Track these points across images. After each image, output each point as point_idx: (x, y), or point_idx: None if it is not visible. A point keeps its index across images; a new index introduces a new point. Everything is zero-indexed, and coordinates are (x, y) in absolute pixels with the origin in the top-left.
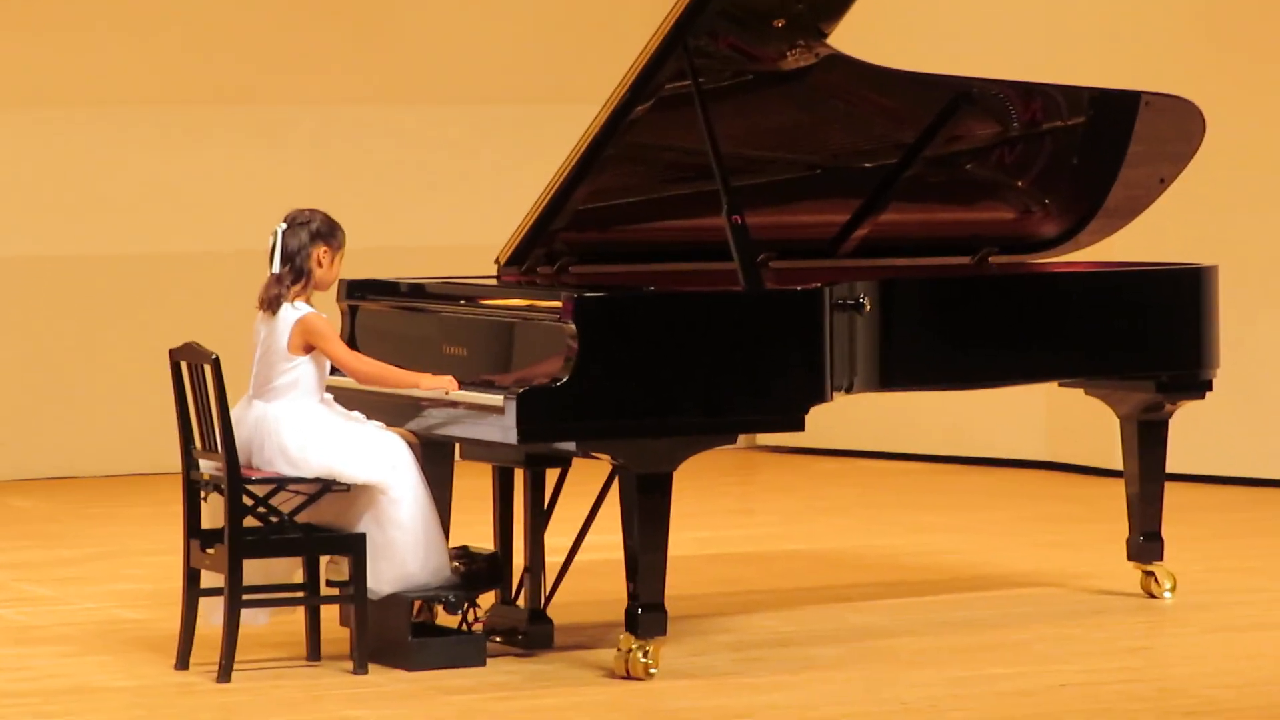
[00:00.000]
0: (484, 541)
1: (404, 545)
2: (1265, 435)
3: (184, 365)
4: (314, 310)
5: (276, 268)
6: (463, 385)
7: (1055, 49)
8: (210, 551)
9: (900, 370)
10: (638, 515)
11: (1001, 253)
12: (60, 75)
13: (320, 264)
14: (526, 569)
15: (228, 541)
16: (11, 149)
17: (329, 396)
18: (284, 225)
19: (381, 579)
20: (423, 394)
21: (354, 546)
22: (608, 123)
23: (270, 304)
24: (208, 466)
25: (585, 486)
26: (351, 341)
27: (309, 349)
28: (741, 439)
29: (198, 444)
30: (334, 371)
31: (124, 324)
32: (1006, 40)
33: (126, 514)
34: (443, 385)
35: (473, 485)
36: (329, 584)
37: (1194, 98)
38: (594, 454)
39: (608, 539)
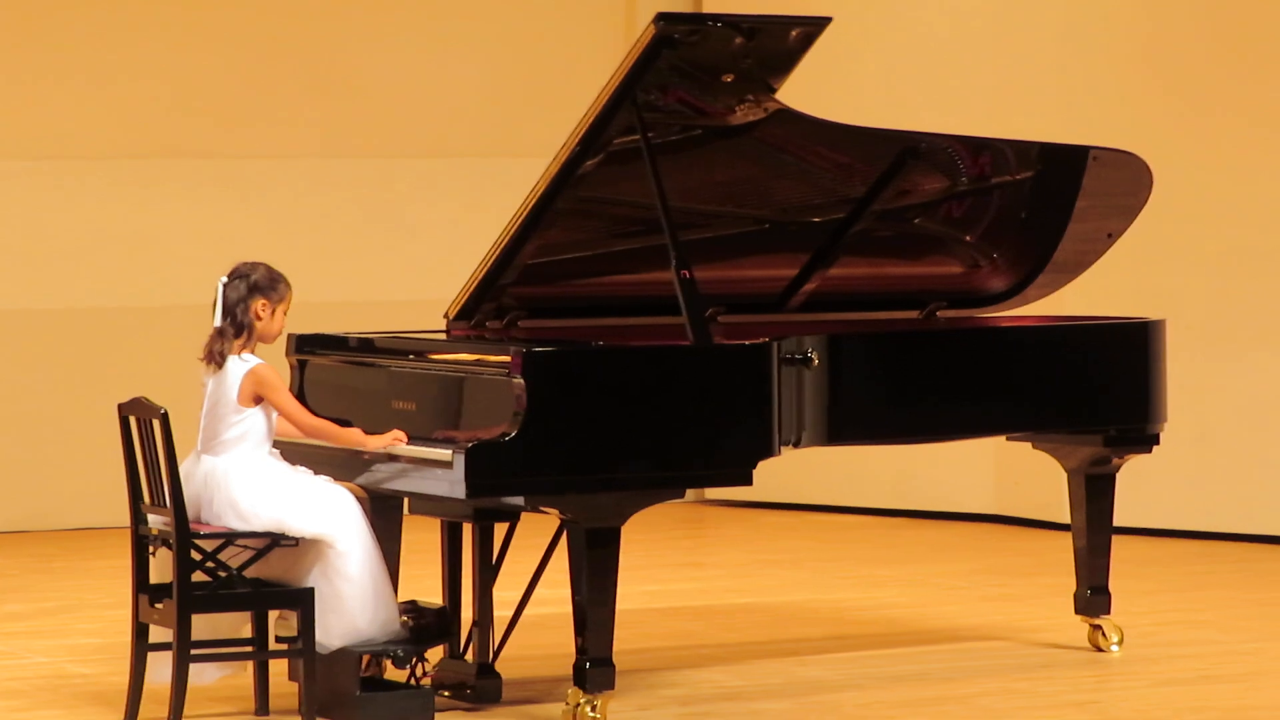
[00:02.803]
0: (432, 596)
1: (352, 599)
2: (1212, 489)
3: (133, 420)
4: (263, 362)
5: (218, 321)
6: (411, 440)
7: (1004, 102)
8: (159, 606)
9: (848, 424)
10: (586, 569)
11: (950, 307)
12: (11, 129)
13: (259, 317)
14: (475, 623)
15: (176, 596)
16: None
17: (276, 450)
18: (225, 279)
19: (330, 633)
20: (370, 451)
21: (302, 601)
22: (557, 177)
23: (214, 358)
24: (156, 521)
25: (533, 540)
26: (300, 396)
27: (258, 400)
28: (690, 493)
29: (146, 499)
30: None
31: (74, 378)
32: (955, 94)
33: (76, 568)
34: (389, 442)
35: (421, 539)
36: (278, 640)
37: (1142, 151)
38: (542, 508)
39: (556, 593)
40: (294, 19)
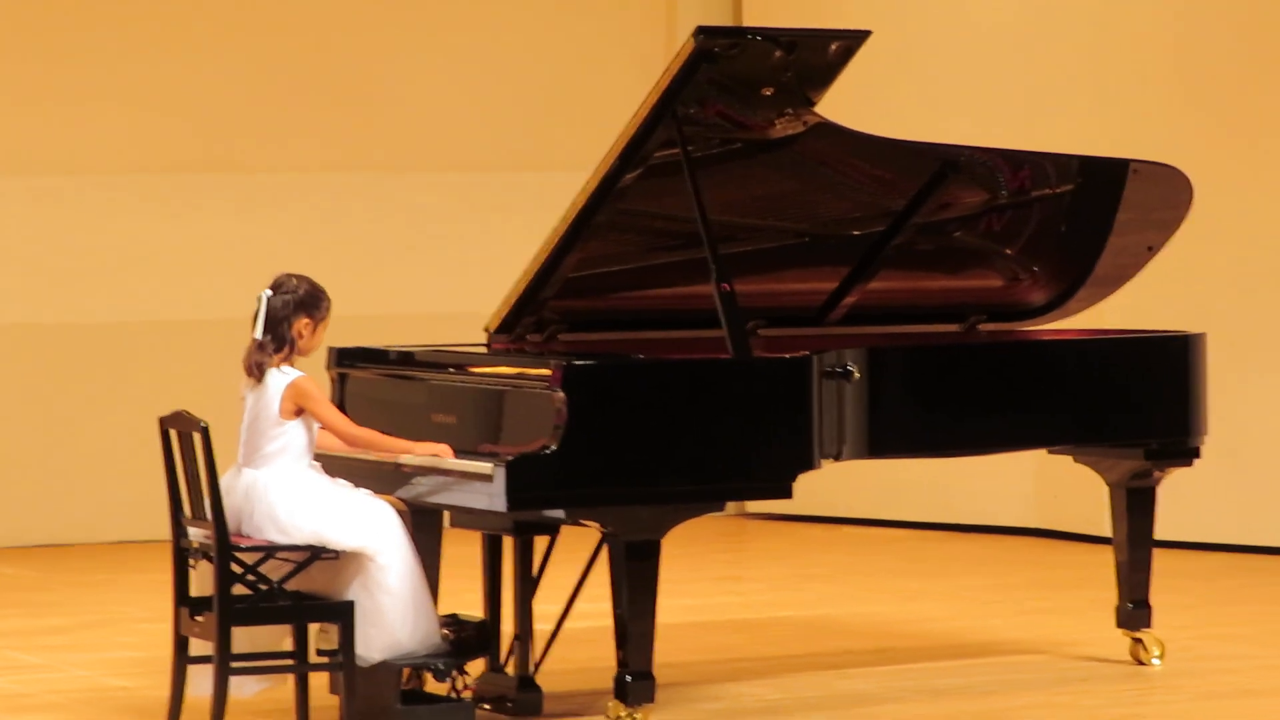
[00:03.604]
0: (473, 609)
1: (393, 611)
2: (1251, 502)
3: (174, 433)
4: (304, 374)
5: (259, 334)
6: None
7: (1038, 116)
8: (199, 619)
9: (889, 437)
10: (626, 582)
11: (990, 320)
12: (46, 144)
13: (302, 335)
14: (515, 636)
15: (216, 609)
16: None
17: (317, 464)
18: (269, 292)
19: (371, 646)
20: (416, 461)
21: (343, 614)
22: (597, 190)
23: (255, 370)
24: (197, 534)
25: (574, 554)
26: (341, 409)
27: (299, 412)
28: (730, 506)
29: (187, 511)
30: None
31: (114, 391)
32: (991, 108)
33: (117, 581)
34: (436, 452)
35: (461, 553)
36: (319, 653)
37: (1179, 165)
38: (583, 521)
39: (597, 606)
40: (327, 35)
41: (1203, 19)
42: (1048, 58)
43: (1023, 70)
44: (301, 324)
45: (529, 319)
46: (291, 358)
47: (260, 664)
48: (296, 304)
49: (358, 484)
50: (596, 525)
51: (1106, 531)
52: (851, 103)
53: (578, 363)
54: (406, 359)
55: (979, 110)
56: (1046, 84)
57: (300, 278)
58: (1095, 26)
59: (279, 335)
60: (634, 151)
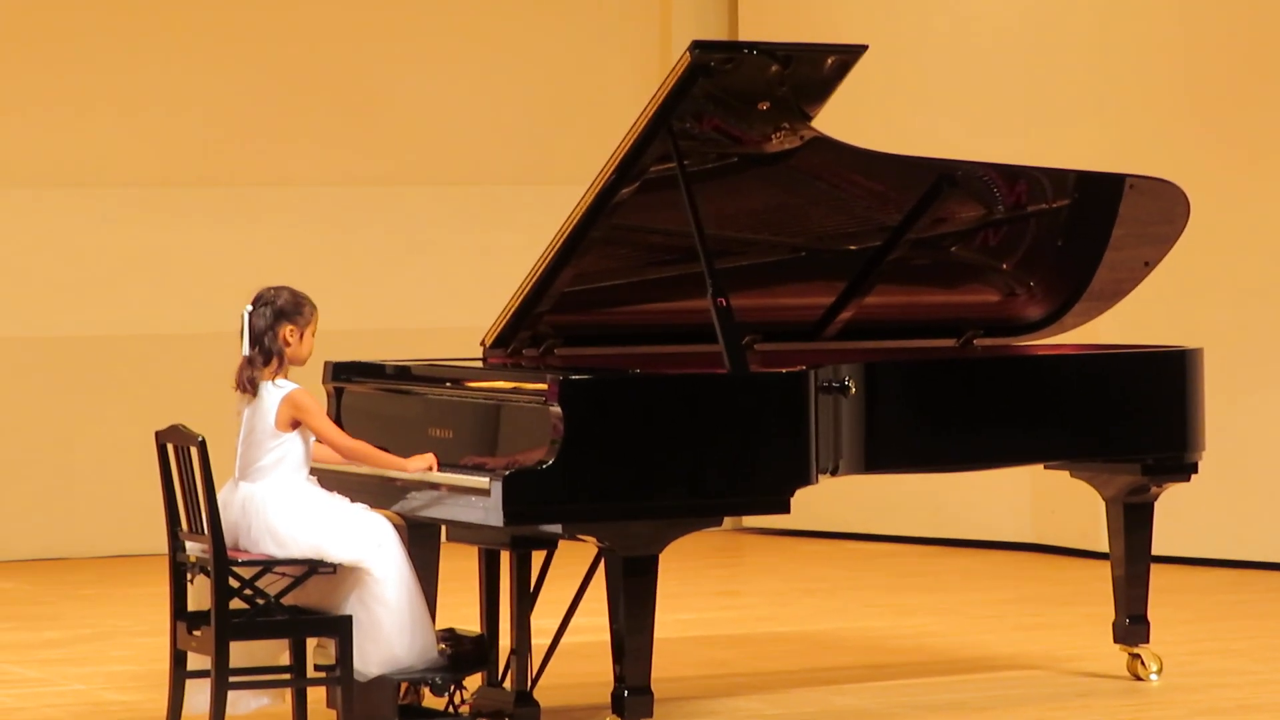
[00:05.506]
0: (470, 623)
1: (390, 625)
2: (1249, 517)
3: (170, 447)
4: (299, 386)
5: (247, 350)
6: (448, 467)
7: (1038, 130)
8: (197, 634)
9: (885, 452)
10: (623, 597)
11: (986, 335)
12: (41, 156)
13: (288, 343)
14: (513, 651)
15: (214, 624)
16: None
17: (313, 477)
18: (250, 307)
19: (368, 660)
20: (410, 478)
21: (341, 628)
22: (593, 205)
23: (247, 386)
24: (194, 548)
25: (571, 568)
26: (337, 423)
27: (295, 425)
28: (727, 521)
29: (184, 526)
30: None
31: (110, 405)
32: (990, 123)
33: (114, 595)
34: (424, 465)
35: (458, 567)
36: (316, 668)
37: (1178, 180)
38: (580, 536)
39: (594, 621)
40: (325, 47)
41: (1206, 30)
42: (1049, 70)
43: (1024, 83)
44: (286, 331)
45: (525, 333)
46: (284, 368)
47: (258, 679)
48: (276, 313)
49: (354, 498)
50: (593, 540)
51: (1103, 547)
52: (848, 116)
53: (574, 377)
54: (403, 373)
55: (979, 124)
56: (1047, 97)
57: (280, 288)
58: (1098, 38)
59: (265, 348)
60: (629, 166)
